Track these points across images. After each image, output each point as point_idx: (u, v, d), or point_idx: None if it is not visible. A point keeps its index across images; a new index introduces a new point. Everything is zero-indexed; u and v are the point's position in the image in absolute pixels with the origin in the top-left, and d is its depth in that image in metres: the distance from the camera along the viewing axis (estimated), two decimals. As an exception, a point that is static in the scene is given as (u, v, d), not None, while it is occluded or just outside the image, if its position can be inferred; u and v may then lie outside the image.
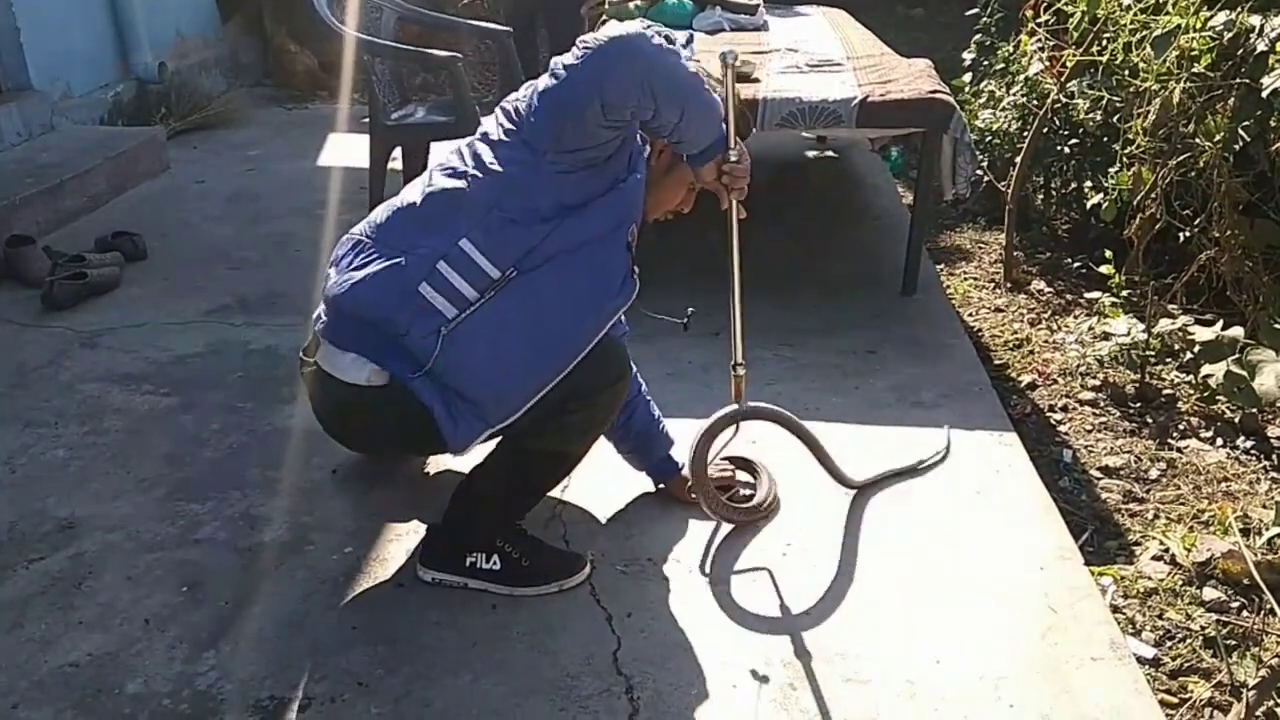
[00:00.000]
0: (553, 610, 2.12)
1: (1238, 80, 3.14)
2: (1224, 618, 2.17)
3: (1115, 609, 2.21)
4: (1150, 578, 2.31)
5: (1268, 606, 2.12)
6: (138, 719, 1.85)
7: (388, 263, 2.01)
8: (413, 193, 2.09)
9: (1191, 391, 3.11)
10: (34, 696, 1.90)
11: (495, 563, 2.16)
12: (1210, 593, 2.25)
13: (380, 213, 2.12)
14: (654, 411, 2.48)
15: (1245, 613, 2.19)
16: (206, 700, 1.89)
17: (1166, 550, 2.38)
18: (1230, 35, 3.09)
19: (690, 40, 4.45)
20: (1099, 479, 2.75)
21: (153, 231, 4.15)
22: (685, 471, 2.36)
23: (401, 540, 2.33)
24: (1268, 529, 2.35)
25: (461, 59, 3.95)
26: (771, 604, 2.14)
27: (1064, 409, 3.12)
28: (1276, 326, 3.04)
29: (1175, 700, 1.99)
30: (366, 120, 4.45)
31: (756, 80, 3.64)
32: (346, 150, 5.49)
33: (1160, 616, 2.20)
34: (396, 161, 4.21)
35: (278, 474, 2.59)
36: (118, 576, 2.22)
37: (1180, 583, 2.29)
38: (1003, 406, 2.93)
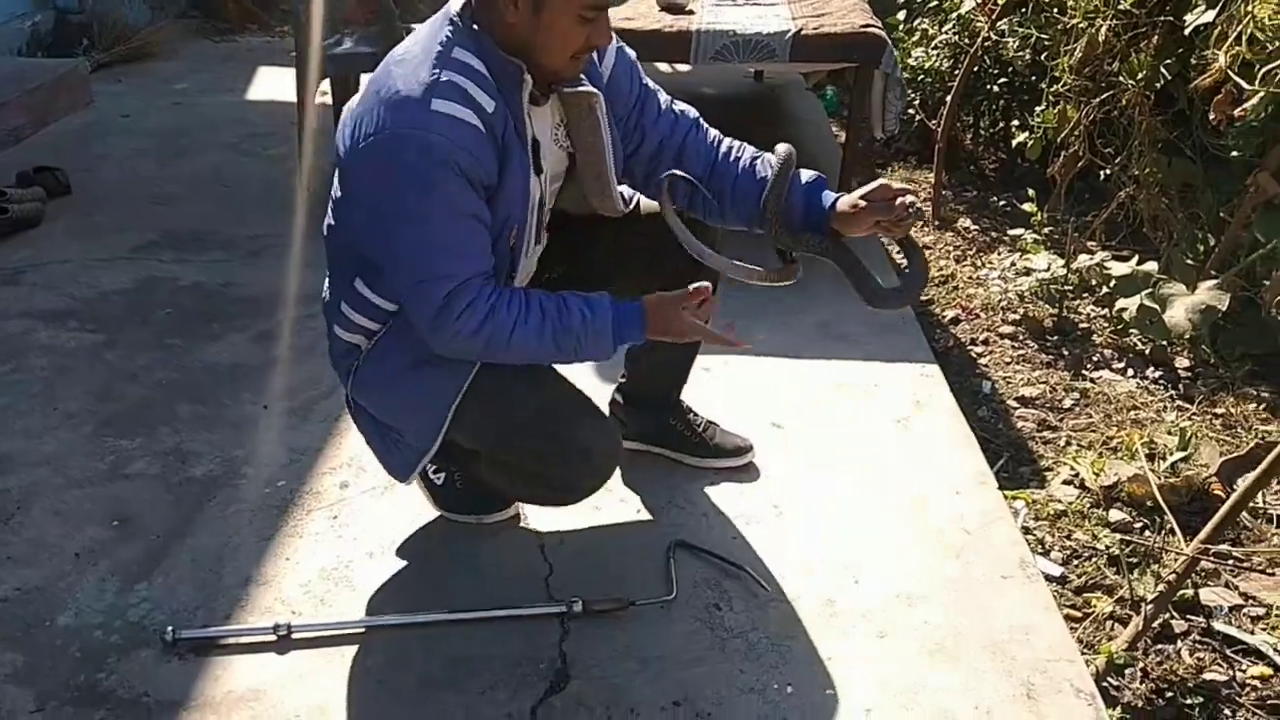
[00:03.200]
0: (486, 539, 2.17)
1: (1161, 18, 3.21)
2: (1127, 538, 2.27)
3: (1026, 530, 2.30)
4: (1060, 501, 2.40)
5: (1168, 526, 2.22)
6: (69, 651, 1.87)
7: (323, 294, 1.98)
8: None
9: (1106, 325, 3.20)
10: (-38, 631, 1.90)
11: (440, 478, 2.19)
12: (1116, 514, 2.34)
13: (327, 214, 1.94)
14: (740, 155, 2.00)
15: (1147, 533, 2.30)
16: (139, 631, 1.92)
17: (1076, 475, 2.48)
18: (1155, -28, 3.15)
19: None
20: (1016, 409, 2.84)
21: (76, 166, 4.06)
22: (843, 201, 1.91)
23: (334, 474, 2.35)
24: (1171, 454, 2.45)
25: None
26: (696, 530, 2.20)
27: (985, 342, 3.20)
28: (1188, 262, 3.15)
29: (1079, 615, 2.09)
30: (295, 53, 4.38)
31: (691, 12, 3.63)
32: (277, 83, 5.41)
33: (1068, 537, 2.30)
34: (326, 95, 4.15)
35: (208, 409, 2.59)
36: (45, 512, 2.22)
37: (1088, 505, 2.38)
38: (927, 340, 3.01)
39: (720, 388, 2.68)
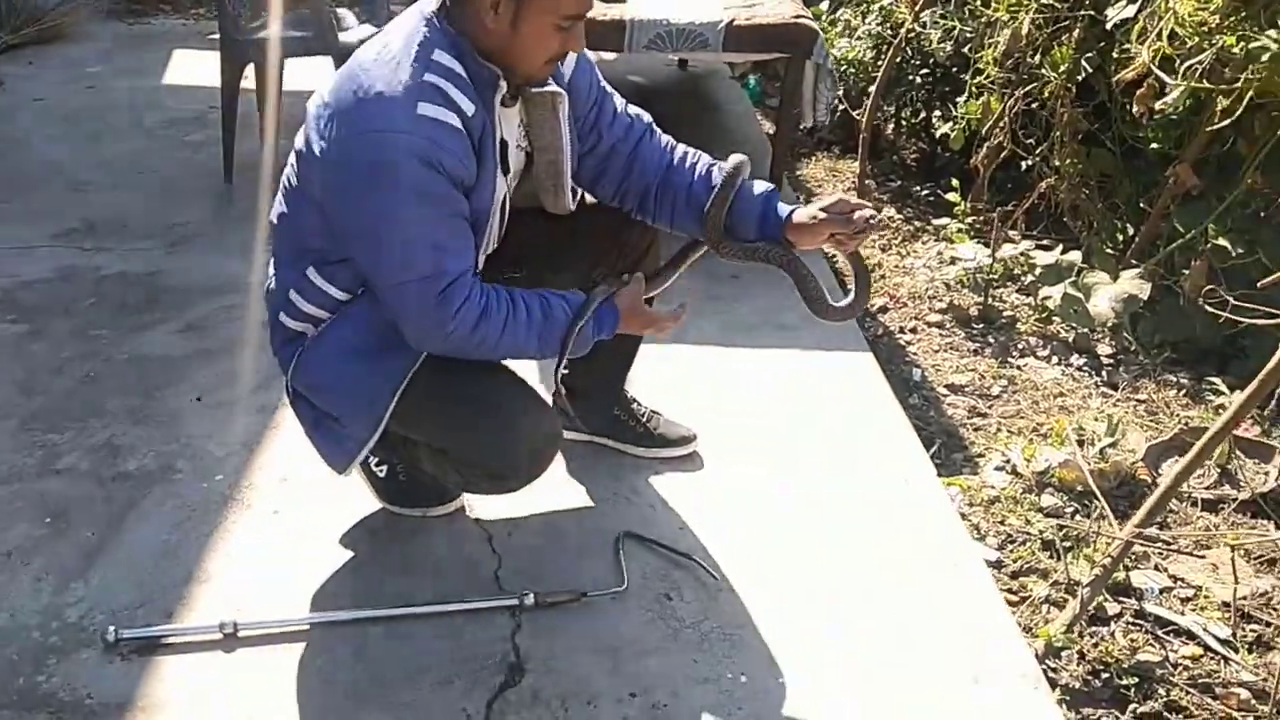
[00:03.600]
0: (432, 532, 2.16)
1: (1083, 12, 3.30)
2: (1060, 522, 2.33)
3: (961, 516, 2.34)
4: (993, 487, 2.46)
5: (1099, 511, 2.29)
6: (6, 653, 1.83)
7: (267, 282, 1.97)
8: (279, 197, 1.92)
9: (1030, 313, 3.28)
10: (-108, 636, 1.84)
11: (383, 470, 2.18)
12: (1048, 499, 2.41)
13: (278, 201, 1.92)
14: (696, 161, 2.03)
15: (1079, 517, 2.36)
16: (78, 631, 1.88)
17: (1008, 461, 2.54)
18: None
19: None
20: (946, 396, 2.90)
21: (-12, 151, 3.95)
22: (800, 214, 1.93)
23: (272, 467, 2.32)
24: (1100, 440, 2.52)
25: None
26: (644, 520, 2.21)
27: (913, 330, 3.26)
28: (1108, 251, 3.24)
29: (1016, 599, 2.14)
30: (215, 36, 4.28)
31: (623, 1, 3.64)
32: (193, 67, 5.28)
33: (1002, 522, 2.36)
34: (250, 80, 4.06)
35: (139, 402, 2.54)
36: (-26, 510, 2.16)
37: (1020, 491, 2.45)
38: (859, 328, 3.06)
39: (662, 377, 2.69)
